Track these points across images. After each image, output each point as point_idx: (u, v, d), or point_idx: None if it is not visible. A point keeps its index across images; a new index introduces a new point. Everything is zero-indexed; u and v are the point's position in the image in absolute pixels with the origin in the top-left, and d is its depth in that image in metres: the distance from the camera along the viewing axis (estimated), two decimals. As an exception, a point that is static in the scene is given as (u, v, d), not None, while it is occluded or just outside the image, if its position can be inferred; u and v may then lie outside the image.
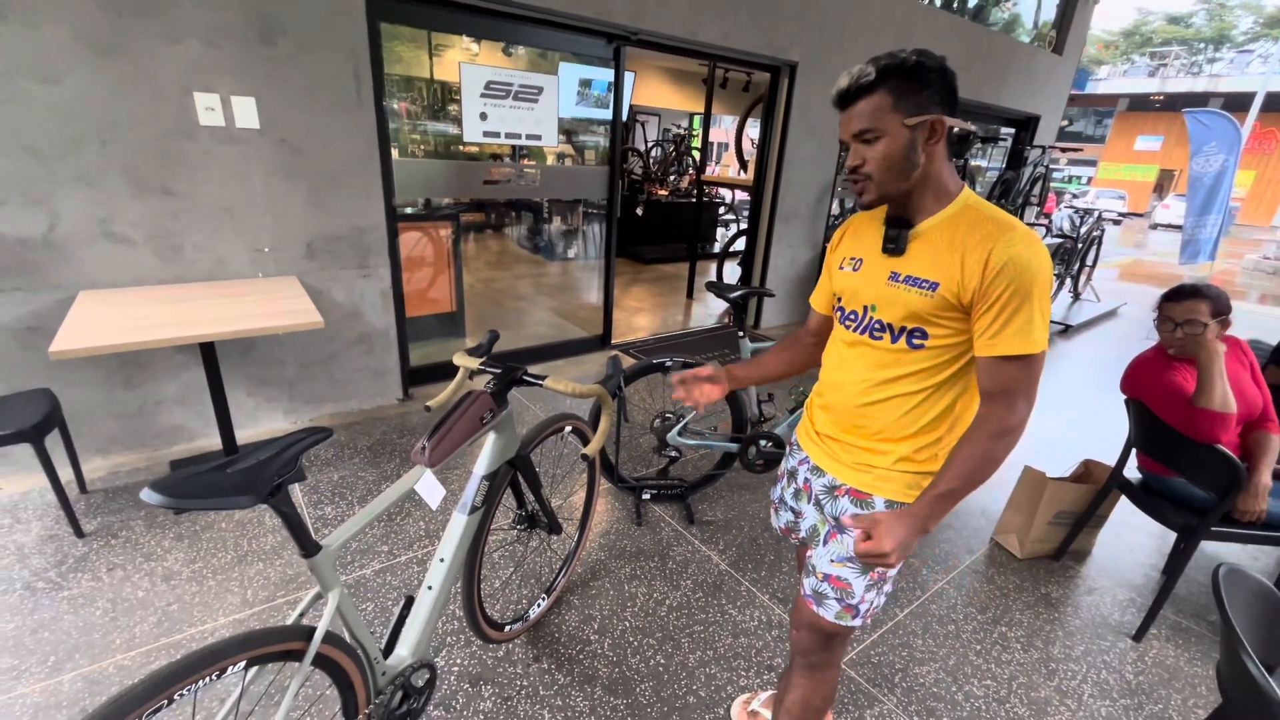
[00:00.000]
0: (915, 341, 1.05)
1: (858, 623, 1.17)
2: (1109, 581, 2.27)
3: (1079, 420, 3.72)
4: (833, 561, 1.16)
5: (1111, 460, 2.26)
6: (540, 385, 1.35)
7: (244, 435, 2.80)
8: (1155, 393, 1.93)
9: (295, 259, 2.74)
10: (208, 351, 2.27)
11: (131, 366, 2.50)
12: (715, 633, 1.88)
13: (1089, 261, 7.21)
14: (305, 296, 2.44)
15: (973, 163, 7.38)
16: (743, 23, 3.91)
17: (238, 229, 2.58)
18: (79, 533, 2.09)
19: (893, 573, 1.17)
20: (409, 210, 3.58)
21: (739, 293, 2.32)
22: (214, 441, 2.73)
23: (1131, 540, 2.53)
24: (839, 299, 1.18)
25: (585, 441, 1.81)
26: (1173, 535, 2.51)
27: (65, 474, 2.30)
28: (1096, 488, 2.27)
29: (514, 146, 3.72)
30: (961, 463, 1.02)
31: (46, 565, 1.96)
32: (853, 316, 1.13)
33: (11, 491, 2.31)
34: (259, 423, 2.87)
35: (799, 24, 4.21)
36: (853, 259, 1.15)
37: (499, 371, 1.39)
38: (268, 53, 2.44)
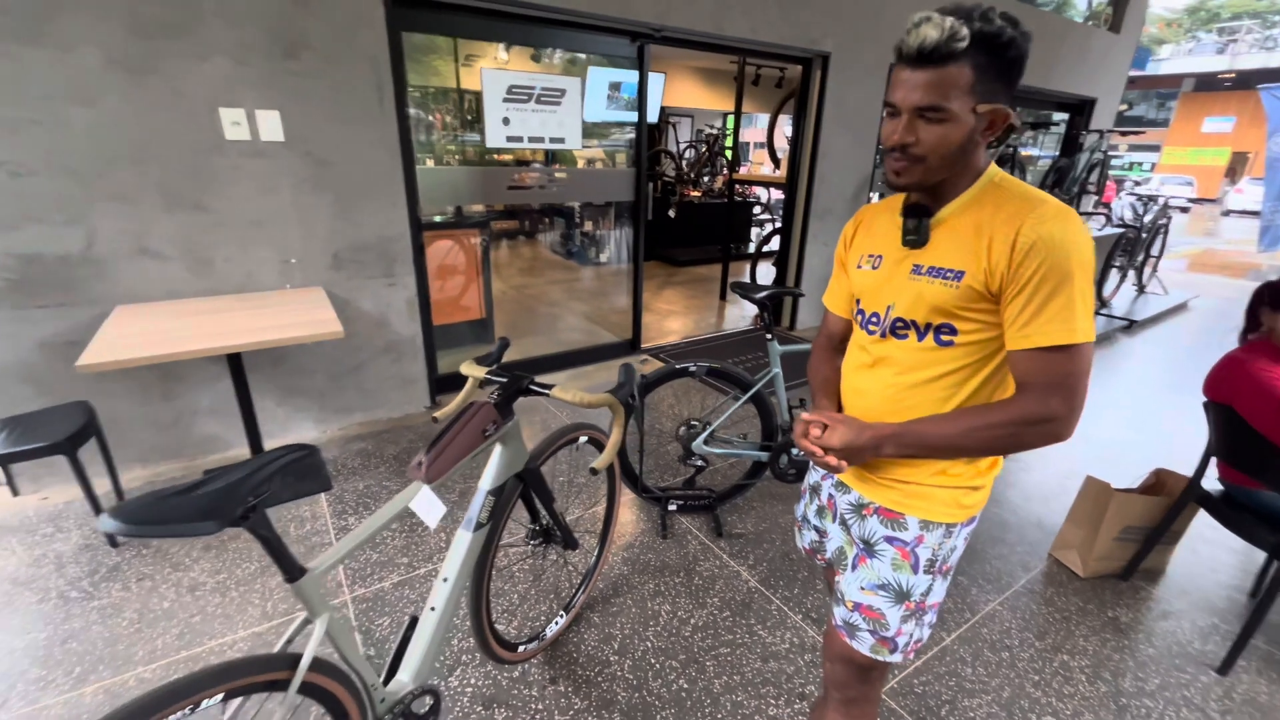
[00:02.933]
0: (944, 338, 0.94)
1: (896, 657, 1.05)
2: (1187, 605, 2.04)
3: (1147, 424, 3.42)
4: (863, 589, 1.05)
5: (1186, 469, 2.04)
6: (546, 395, 1.28)
7: (276, 445, 2.83)
8: (1248, 396, 1.71)
9: (322, 269, 2.77)
10: (234, 362, 2.30)
11: (169, 379, 2.56)
12: (743, 656, 1.77)
13: (1154, 252, 6.73)
14: (329, 307, 2.45)
15: (1023, 151, 7.01)
16: (771, 15, 3.78)
17: (266, 241, 2.61)
18: (113, 542, 2.14)
19: (933, 600, 1.05)
20: (438, 218, 3.59)
21: (765, 293, 2.20)
22: (247, 451, 2.77)
23: (1212, 558, 2.28)
24: (858, 301, 1.07)
25: (603, 451, 1.73)
26: (1260, 554, 2.25)
27: (105, 484, 2.37)
28: (1170, 500, 2.06)
29: (545, 151, 3.70)
30: (965, 425, 0.89)
31: (81, 574, 2.00)
32: (874, 319, 1.02)
33: (56, 501, 2.38)
34: (290, 432, 2.91)
35: (831, 13, 4.05)
36: (871, 256, 1.04)
37: (504, 381, 1.32)
38: (292, 67, 2.47)
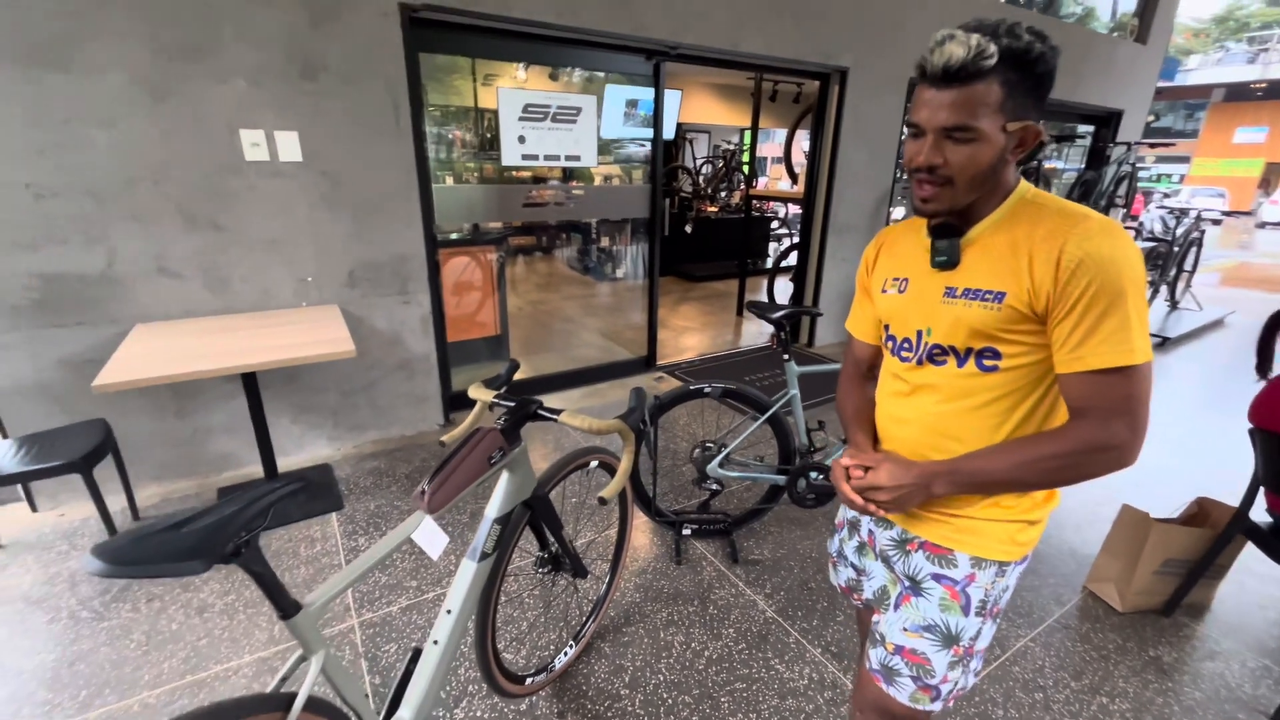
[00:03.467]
0: (987, 363, 0.89)
1: (936, 707, 0.98)
2: (1235, 644, 1.92)
3: (1185, 449, 3.27)
4: (905, 630, 0.98)
5: (1228, 497, 1.93)
6: (555, 420, 1.24)
7: (290, 462, 2.83)
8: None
9: (337, 287, 2.78)
10: (249, 381, 2.30)
11: (183, 396, 2.57)
12: (759, 692, 1.69)
13: (1187, 266, 6.53)
14: (343, 325, 2.44)
15: (1047, 164, 6.87)
16: (787, 30, 3.76)
17: (282, 260, 2.63)
18: (125, 561, 2.13)
19: (981, 645, 0.98)
20: (454, 236, 3.60)
21: (781, 313, 2.15)
22: (261, 468, 2.77)
23: (1260, 593, 2.15)
24: (886, 327, 1.02)
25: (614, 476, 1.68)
26: (1315, 589, 2.12)
27: (121, 501, 2.38)
28: (1214, 532, 1.94)
29: (563, 169, 3.70)
30: (1021, 457, 0.84)
31: (92, 594, 1.99)
32: (906, 345, 0.97)
33: (73, 517, 2.39)
34: (304, 449, 2.91)
35: (849, 27, 4.02)
36: (896, 279, 0.98)
37: (512, 405, 1.29)
38: (310, 87, 2.50)
